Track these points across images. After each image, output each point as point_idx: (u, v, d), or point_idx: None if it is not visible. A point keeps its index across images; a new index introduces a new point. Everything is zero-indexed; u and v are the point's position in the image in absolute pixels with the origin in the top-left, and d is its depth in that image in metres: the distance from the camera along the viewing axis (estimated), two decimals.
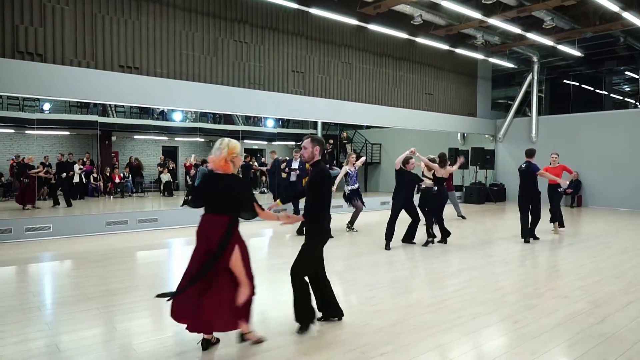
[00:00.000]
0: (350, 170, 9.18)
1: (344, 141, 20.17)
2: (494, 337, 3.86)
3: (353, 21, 11.85)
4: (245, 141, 19.85)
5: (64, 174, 12.16)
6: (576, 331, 3.93)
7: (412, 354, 3.46)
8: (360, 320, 4.17)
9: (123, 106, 13.85)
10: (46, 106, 13.22)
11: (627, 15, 11.51)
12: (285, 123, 19.48)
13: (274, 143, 18.98)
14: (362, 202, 9.36)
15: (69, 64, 8.46)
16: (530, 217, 8.54)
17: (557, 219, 9.54)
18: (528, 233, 8.48)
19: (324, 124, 20.15)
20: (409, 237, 8.00)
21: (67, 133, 14.55)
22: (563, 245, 8.24)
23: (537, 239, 8.66)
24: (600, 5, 11.40)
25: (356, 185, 9.35)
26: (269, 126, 19.54)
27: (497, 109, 18.63)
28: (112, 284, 5.44)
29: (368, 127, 20.06)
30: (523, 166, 8.51)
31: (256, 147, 20.42)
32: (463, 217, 11.78)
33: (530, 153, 8.56)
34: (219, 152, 3.42)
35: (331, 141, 18.71)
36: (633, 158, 14.23)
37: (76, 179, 12.77)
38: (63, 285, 5.53)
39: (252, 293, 3.51)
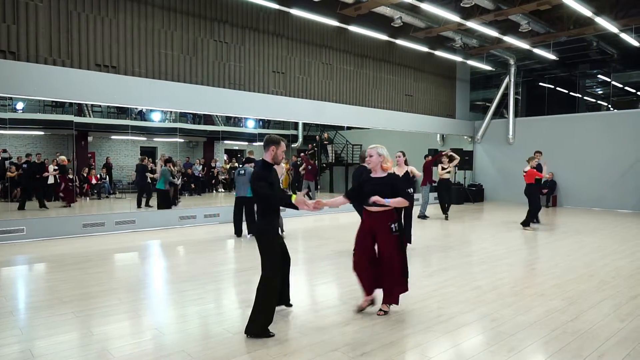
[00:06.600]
0: None
1: (325, 142, 20.22)
2: (472, 335, 3.92)
3: (333, 22, 11.88)
4: (225, 142, 19.73)
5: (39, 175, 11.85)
6: (552, 328, 4.03)
7: (392, 353, 3.49)
8: (341, 321, 4.19)
9: (100, 106, 13.56)
10: (19, 105, 12.87)
11: (600, 20, 11.85)
12: (266, 124, 19.41)
13: (254, 144, 18.90)
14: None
15: (44, 62, 8.25)
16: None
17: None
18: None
19: (304, 124, 20.16)
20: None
21: (41, 133, 14.19)
22: (538, 245, 8.42)
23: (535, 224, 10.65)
24: (574, 10, 11.69)
25: None
26: (250, 127, 19.46)
27: (475, 111, 18.94)
28: (89, 287, 5.32)
29: (349, 128, 20.14)
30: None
31: (237, 147, 20.29)
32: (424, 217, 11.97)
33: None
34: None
35: (318, 139, 18.75)
36: (606, 159, 14.64)
37: (51, 180, 12.45)
38: (37, 288, 5.40)
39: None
